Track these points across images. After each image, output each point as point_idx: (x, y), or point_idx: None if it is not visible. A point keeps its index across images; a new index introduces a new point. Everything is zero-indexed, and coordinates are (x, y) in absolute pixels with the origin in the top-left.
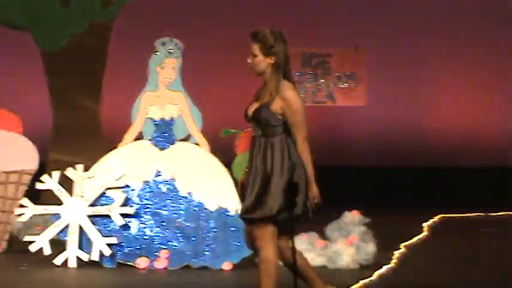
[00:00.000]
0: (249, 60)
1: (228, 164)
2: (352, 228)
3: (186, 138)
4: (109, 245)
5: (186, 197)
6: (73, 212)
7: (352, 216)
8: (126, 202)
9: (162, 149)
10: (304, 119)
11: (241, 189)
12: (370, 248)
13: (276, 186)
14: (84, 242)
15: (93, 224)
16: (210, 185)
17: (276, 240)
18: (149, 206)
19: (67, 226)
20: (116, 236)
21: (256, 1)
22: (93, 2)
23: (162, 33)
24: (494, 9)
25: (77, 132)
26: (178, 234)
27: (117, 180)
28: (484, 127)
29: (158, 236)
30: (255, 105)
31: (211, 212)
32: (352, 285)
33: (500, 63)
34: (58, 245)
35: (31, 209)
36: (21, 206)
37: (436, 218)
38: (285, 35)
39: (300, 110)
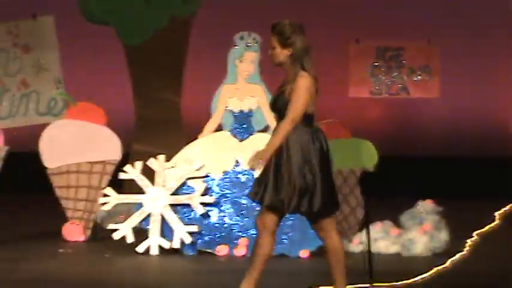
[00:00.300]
0: (269, 52)
1: None
2: (425, 216)
3: (264, 130)
4: (190, 233)
5: None
6: (155, 201)
7: (426, 205)
8: (206, 191)
9: (241, 140)
10: (301, 104)
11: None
12: (443, 236)
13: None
14: (165, 230)
15: (175, 212)
16: None
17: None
18: (229, 195)
19: (149, 215)
20: (196, 225)
21: None
22: None
23: (241, 27)
24: None
25: (158, 124)
26: None
27: (197, 170)
28: None
29: (237, 224)
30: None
31: None
32: (425, 272)
33: None
34: (140, 233)
35: (114, 198)
36: (105, 195)
37: (508, 207)
38: (360, 29)
39: (300, 94)
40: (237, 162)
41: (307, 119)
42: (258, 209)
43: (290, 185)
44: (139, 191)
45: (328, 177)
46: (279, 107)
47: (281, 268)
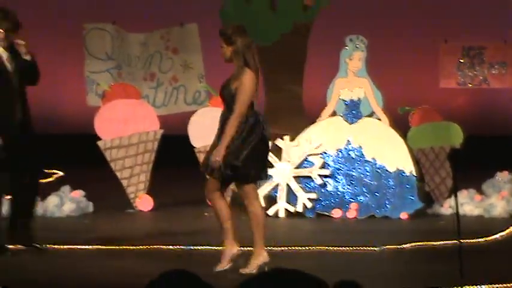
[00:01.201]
0: (220, 51)
1: (404, 134)
2: (503, 185)
3: (370, 115)
4: (310, 199)
5: (370, 161)
6: (282, 173)
7: (503, 176)
8: (324, 165)
9: (351, 123)
10: (246, 100)
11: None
12: None
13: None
14: (290, 197)
15: (298, 183)
16: (390, 151)
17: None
18: (341, 168)
19: (277, 185)
20: (315, 192)
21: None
22: (295, 7)
23: (350, 31)
24: None
25: (284, 111)
26: (365, 191)
27: (316, 148)
28: None
29: (349, 192)
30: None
31: (390, 172)
32: (503, 230)
33: None
34: (270, 199)
35: None
36: None
37: None
38: (447, 32)
39: (244, 91)
40: (348, 141)
41: (251, 106)
42: (367, 179)
43: (225, 156)
44: (269, 165)
45: (256, 150)
46: (224, 96)
47: (385, 227)
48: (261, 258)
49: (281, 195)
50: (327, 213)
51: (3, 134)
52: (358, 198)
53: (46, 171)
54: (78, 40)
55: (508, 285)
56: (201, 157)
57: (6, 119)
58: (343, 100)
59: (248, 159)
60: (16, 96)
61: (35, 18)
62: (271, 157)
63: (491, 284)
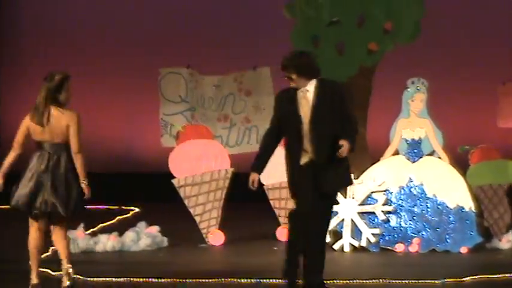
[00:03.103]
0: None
1: (463, 172)
2: None
3: (431, 154)
4: (374, 234)
5: (431, 198)
6: (347, 209)
7: None
8: (387, 202)
9: (413, 161)
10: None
11: None
12: None
13: None
14: (355, 232)
15: (362, 218)
16: (450, 188)
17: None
18: (404, 204)
19: (342, 220)
20: (379, 228)
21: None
22: (361, 51)
23: (412, 73)
24: None
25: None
26: (426, 226)
27: (379, 185)
28: None
29: (411, 227)
30: None
31: (451, 209)
32: None
33: None
34: (336, 234)
35: None
36: None
37: None
38: (506, 73)
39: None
40: (410, 179)
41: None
42: (428, 215)
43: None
44: (335, 202)
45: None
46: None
47: (447, 261)
48: None
49: (346, 230)
50: (390, 248)
51: None
52: (420, 233)
53: (125, 207)
54: (154, 84)
55: None
56: (270, 194)
57: None
58: (405, 139)
59: None
60: None
61: (114, 64)
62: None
63: None
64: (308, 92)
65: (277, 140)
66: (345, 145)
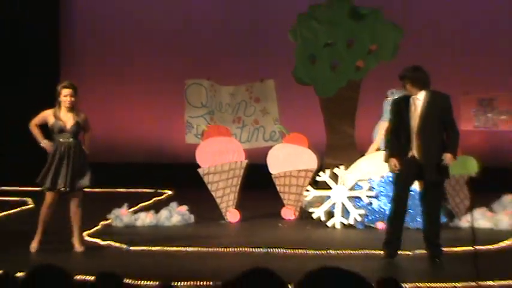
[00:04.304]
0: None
1: None
2: (508, 204)
3: None
4: (360, 214)
5: None
6: (338, 194)
7: (509, 197)
8: (370, 188)
9: None
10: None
11: None
12: None
13: None
14: (345, 213)
15: (350, 201)
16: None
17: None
18: (383, 191)
19: (335, 203)
20: (363, 209)
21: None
22: (350, 68)
23: (391, 85)
24: None
25: (340, 146)
26: None
27: (364, 175)
28: None
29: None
30: None
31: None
32: (507, 239)
33: None
34: (329, 214)
35: (313, 192)
36: (307, 190)
37: None
38: (468, 86)
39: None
40: None
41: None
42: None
43: None
44: (328, 188)
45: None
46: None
47: (417, 237)
48: None
49: (337, 211)
50: (372, 225)
51: None
52: None
53: (159, 190)
54: (181, 92)
55: None
56: (276, 181)
57: None
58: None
59: None
60: None
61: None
62: (330, 182)
63: (500, 280)
64: (418, 100)
65: (397, 136)
66: (448, 156)
